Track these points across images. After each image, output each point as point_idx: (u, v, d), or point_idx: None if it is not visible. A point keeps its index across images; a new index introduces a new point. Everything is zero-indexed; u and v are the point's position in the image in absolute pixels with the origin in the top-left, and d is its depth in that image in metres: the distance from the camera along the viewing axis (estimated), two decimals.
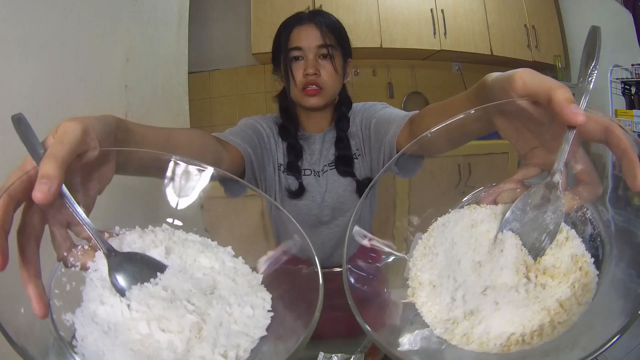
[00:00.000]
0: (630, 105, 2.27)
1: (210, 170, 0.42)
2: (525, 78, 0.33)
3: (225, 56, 2.62)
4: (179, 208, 0.41)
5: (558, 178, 0.32)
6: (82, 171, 0.34)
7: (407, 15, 2.48)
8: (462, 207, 0.39)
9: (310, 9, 0.94)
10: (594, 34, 0.36)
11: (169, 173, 0.40)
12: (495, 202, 0.38)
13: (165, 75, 1.84)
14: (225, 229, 0.44)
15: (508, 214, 0.34)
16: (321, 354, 0.57)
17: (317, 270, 0.34)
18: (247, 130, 0.83)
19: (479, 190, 0.40)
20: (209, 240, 0.40)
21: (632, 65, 2.20)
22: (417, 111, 0.73)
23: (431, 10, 2.49)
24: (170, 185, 0.41)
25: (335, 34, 0.86)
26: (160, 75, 1.79)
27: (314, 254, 0.36)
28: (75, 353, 0.27)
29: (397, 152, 0.73)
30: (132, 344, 0.27)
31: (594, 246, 0.32)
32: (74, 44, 1.17)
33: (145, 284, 0.31)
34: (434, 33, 2.49)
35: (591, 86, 0.33)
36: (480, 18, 2.56)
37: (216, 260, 0.37)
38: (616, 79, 2.25)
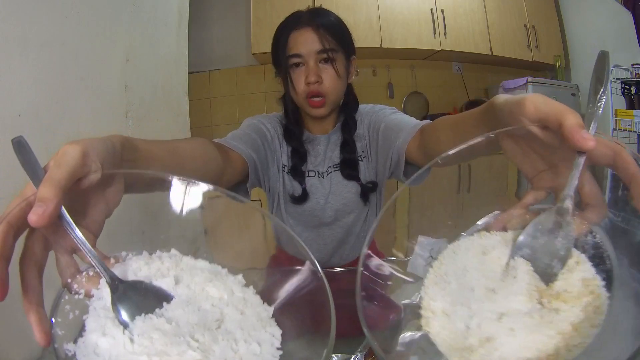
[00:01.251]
0: (630, 105, 2.28)
1: (211, 187, 0.40)
2: (537, 102, 0.33)
3: (225, 56, 2.62)
4: (185, 233, 0.40)
5: (569, 204, 0.33)
6: (86, 195, 0.33)
7: (407, 15, 2.48)
8: (472, 234, 0.39)
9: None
10: (603, 58, 0.36)
11: (172, 195, 0.39)
12: (504, 229, 0.38)
13: (165, 75, 1.84)
14: (232, 251, 0.43)
15: (519, 239, 0.35)
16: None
17: (329, 302, 0.34)
18: (251, 133, 0.82)
19: (489, 216, 0.40)
20: (219, 267, 0.38)
21: (632, 65, 2.20)
22: (428, 121, 0.73)
23: (431, 10, 2.49)
24: (174, 208, 0.39)
25: (335, 34, 0.83)
26: (160, 75, 1.79)
27: (328, 289, 0.35)
28: None
29: (405, 160, 0.74)
30: None
31: (604, 269, 0.33)
32: (74, 44, 1.17)
33: (150, 315, 0.31)
34: (434, 33, 2.49)
35: (600, 111, 0.33)
36: (480, 18, 2.56)
37: (225, 290, 0.35)
38: (616, 79, 2.25)
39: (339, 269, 0.88)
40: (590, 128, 0.32)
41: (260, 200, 2.00)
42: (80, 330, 0.30)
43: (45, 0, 1.05)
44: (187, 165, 0.53)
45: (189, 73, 2.09)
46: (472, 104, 2.66)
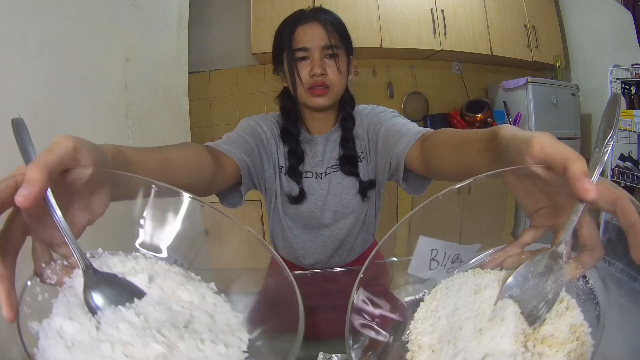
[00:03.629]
0: (630, 105, 2.28)
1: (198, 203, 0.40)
2: (544, 144, 0.33)
3: (225, 56, 2.62)
4: (163, 239, 0.40)
5: (563, 249, 0.33)
6: (71, 197, 0.34)
7: (407, 15, 2.48)
8: (466, 270, 0.40)
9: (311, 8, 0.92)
10: (615, 101, 0.35)
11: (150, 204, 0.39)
12: (499, 267, 0.38)
13: (165, 75, 1.84)
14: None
15: (510, 279, 0.35)
16: (321, 354, 0.57)
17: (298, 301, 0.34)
18: (245, 135, 0.82)
19: (485, 254, 0.41)
20: (192, 274, 0.39)
21: (632, 65, 2.20)
22: (429, 130, 0.72)
23: (431, 10, 2.49)
24: (151, 215, 0.39)
25: (339, 32, 0.85)
26: (160, 75, 1.79)
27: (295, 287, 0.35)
28: None
29: (404, 168, 0.73)
30: None
31: (594, 315, 0.33)
32: (74, 44, 1.17)
33: (120, 307, 0.31)
34: (434, 33, 2.49)
35: (606, 157, 0.33)
36: (480, 18, 2.56)
37: (196, 294, 0.36)
38: (616, 79, 2.26)
39: (338, 269, 0.88)
40: (595, 173, 0.32)
41: (261, 200, 2.00)
42: (47, 313, 0.30)
43: (45, 0, 1.05)
44: (180, 175, 0.53)
45: (189, 73, 2.09)
46: (472, 104, 2.66)
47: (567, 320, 0.32)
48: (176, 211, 0.40)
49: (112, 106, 1.41)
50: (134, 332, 0.29)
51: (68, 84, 1.15)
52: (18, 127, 0.34)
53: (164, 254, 0.39)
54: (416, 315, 0.37)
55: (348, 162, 0.89)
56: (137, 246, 0.39)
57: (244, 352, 0.32)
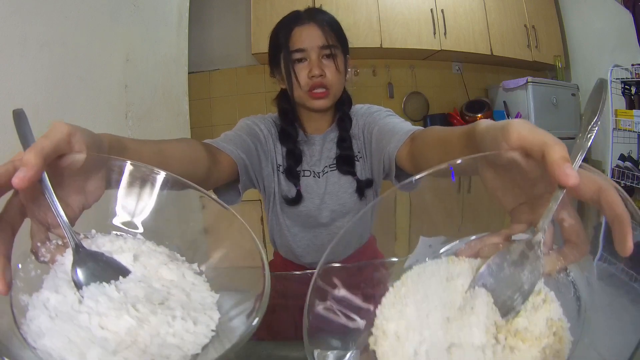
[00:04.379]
0: (630, 105, 2.28)
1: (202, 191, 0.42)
2: (522, 130, 0.31)
3: (225, 56, 2.62)
4: (151, 220, 0.41)
5: (540, 237, 0.31)
6: (66, 181, 0.35)
7: (407, 15, 2.47)
8: (439, 257, 0.38)
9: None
10: (600, 87, 0.34)
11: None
12: (475, 256, 0.36)
13: (165, 75, 1.84)
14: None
15: (483, 268, 0.33)
16: (316, 352, 0.57)
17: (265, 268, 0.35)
18: (242, 134, 0.82)
19: (460, 240, 0.39)
20: (178, 255, 0.40)
21: (632, 65, 2.20)
22: (419, 128, 0.72)
23: (431, 10, 2.49)
24: (145, 195, 0.41)
25: (335, 32, 0.85)
26: (160, 75, 1.79)
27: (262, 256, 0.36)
28: (19, 329, 0.29)
29: (396, 166, 0.74)
30: (70, 333, 0.29)
31: (574, 310, 0.31)
32: (74, 44, 1.17)
33: (104, 283, 0.33)
34: (434, 33, 2.49)
35: (589, 143, 0.31)
36: (480, 18, 2.56)
37: (177, 273, 0.37)
38: (616, 79, 2.25)
39: (337, 264, 0.88)
40: (577, 160, 0.30)
41: (261, 200, 2.00)
42: (38, 287, 0.32)
43: (45, 0, 1.05)
44: (174, 167, 0.53)
45: (189, 73, 2.09)
46: (472, 104, 2.66)
47: (543, 314, 0.30)
48: (152, 186, 0.41)
49: (112, 106, 1.41)
50: (111, 305, 0.31)
51: (68, 84, 1.15)
52: (19, 117, 0.36)
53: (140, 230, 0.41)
54: (384, 300, 0.36)
55: (345, 163, 0.89)
56: (120, 225, 0.41)
57: (212, 330, 0.33)
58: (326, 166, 0.91)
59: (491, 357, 0.29)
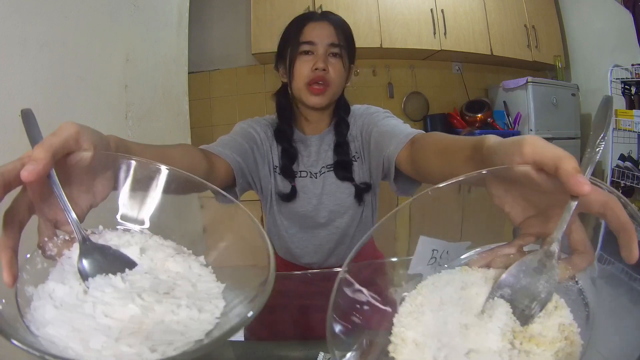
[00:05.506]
0: (630, 105, 2.28)
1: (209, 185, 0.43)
2: (536, 145, 0.33)
3: (225, 56, 2.62)
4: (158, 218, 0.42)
5: (556, 247, 0.33)
6: (74, 179, 0.36)
7: (407, 15, 2.48)
8: (453, 267, 0.39)
9: (310, 9, 0.93)
10: (606, 103, 0.35)
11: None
12: (487, 266, 0.38)
13: (165, 75, 1.84)
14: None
15: (502, 278, 0.34)
16: (321, 354, 0.57)
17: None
18: (238, 138, 0.83)
19: (474, 252, 0.40)
20: (185, 248, 0.41)
21: (632, 65, 2.20)
22: (420, 131, 0.73)
23: (431, 10, 2.49)
24: (148, 190, 0.42)
25: (346, 35, 0.87)
26: (160, 75, 1.79)
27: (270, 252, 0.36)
28: (23, 317, 0.30)
29: (395, 169, 0.74)
30: (74, 322, 0.29)
31: (583, 316, 0.33)
32: (74, 44, 1.17)
33: (110, 275, 0.33)
34: (434, 33, 2.49)
35: (597, 157, 0.33)
36: (480, 18, 2.56)
37: (183, 265, 0.38)
38: (616, 79, 2.26)
39: (338, 269, 0.88)
40: (586, 172, 0.32)
41: (261, 202, 2.00)
42: (44, 280, 0.33)
43: (45, 0, 1.05)
44: None
45: (189, 73, 2.09)
46: (472, 104, 2.66)
47: (556, 319, 0.32)
48: (158, 183, 0.42)
49: (112, 106, 1.41)
50: (116, 295, 0.31)
51: (68, 84, 1.15)
52: (27, 117, 0.37)
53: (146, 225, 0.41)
54: (400, 309, 0.37)
55: (342, 168, 0.89)
56: (121, 222, 0.41)
57: (217, 318, 0.34)
58: (323, 167, 0.91)
59: None
